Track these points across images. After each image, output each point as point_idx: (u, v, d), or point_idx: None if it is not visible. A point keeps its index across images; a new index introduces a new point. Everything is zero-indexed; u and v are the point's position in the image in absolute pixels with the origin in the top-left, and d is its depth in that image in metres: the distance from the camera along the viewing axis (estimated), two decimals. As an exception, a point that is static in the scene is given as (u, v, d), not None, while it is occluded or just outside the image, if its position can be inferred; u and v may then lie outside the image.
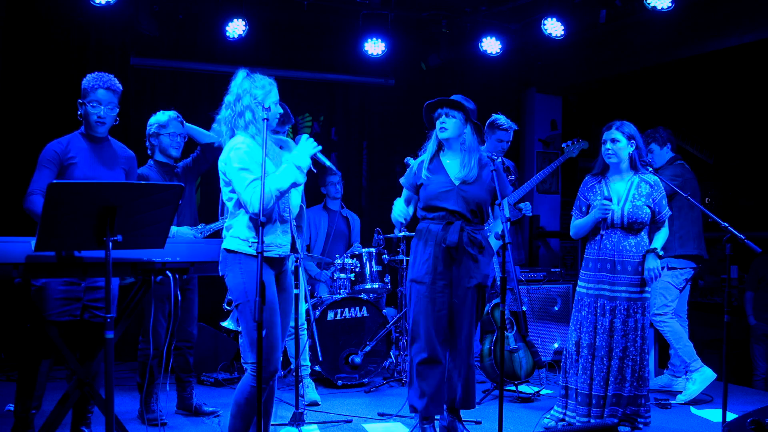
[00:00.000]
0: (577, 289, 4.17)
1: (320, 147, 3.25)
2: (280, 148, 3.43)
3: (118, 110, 3.72)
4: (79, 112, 3.68)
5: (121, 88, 3.72)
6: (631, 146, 4.07)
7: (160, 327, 4.31)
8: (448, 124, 3.81)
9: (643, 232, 4.09)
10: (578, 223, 4.18)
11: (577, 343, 4.08)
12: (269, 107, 3.20)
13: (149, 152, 4.45)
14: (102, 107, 3.63)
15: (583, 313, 4.07)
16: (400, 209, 3.88)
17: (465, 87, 7.46)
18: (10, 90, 5.92)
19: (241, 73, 3.27)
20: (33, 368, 3.59)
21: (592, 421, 3.98)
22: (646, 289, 4.05)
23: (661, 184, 4.12)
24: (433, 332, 3.77)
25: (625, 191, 4.06)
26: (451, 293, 3.80)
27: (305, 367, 4.91)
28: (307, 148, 3.20)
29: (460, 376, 3.87)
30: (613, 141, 4.06)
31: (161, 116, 4.42)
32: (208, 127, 4.55)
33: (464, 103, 3.83)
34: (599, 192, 4.12)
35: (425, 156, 3.91)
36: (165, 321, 4.31)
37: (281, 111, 3.36)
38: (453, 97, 3.84)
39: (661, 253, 4.04)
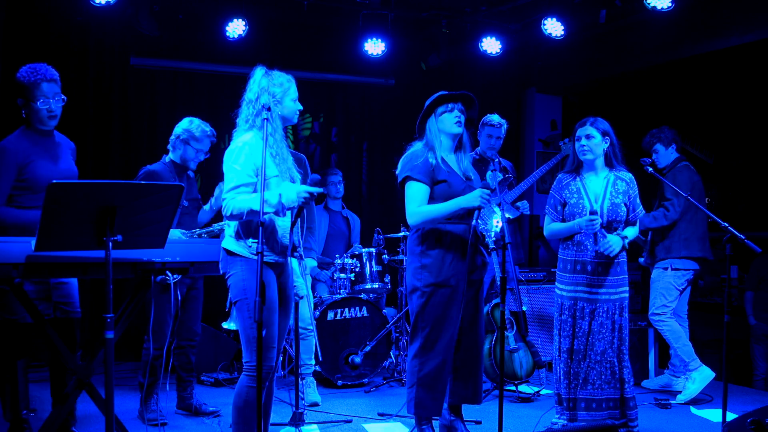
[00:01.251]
0: (556, 291, 4.08)
1: (317, 193, 3.10)
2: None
3: (65, 101, 3.61)
4: (23, 111, 3.58)
5: (57, 74, 3.62)
6: (606, 143, 4.01)
7: (166, 327, 4.30)
8: (462, 120, 3.72)
9: (619, 231, 4.01)
10: (555, 228, 4.06)
11: (559, 348, 4.02)
12: (270, 107, 3.18)
13: (169, 147, 4.43)
14: (50, 100, 3.54)
15: (563, 317, 4.00)
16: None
17: (465, 87, 7.38)
18: (11, 90, 5.91)
19: (259, 71, 3.25)
20: (11, 370, 3.58)
21: (580, 424, 3.96)
22: (625, 289, 4.00)
23: (635, 182, 4.07)
24: (451, 333, 3.75)
25: (602, 189, 4.00)
26: (465, 291, 3.77)
27: (309, 366, 4.91)
28: (299, 192, 3.04)
29: (473, 373, 3.86)
30: (588, 137, 3.99)
31: (197, 130, 4.36)
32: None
33: (476, 102, 3.78)
34: (575, 190, 4.02)
35: (439, 152, 3.70)
36: (168, 320, 4.30)
37: (300, 108, 3.32)
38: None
39: (626, 244, 3.96)
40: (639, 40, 6.60)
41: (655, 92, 7.67)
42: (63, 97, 3.61)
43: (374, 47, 6.54)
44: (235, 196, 3.06)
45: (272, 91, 3.19)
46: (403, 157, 3.81)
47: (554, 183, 4.15)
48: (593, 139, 3.99)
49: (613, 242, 3.89)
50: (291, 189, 3.08)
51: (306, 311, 4.82)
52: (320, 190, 3.12)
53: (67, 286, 3.67)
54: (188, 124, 4.39)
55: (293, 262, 4.56)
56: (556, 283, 4.10)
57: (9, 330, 3.56)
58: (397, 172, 3.81)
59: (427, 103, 3.77)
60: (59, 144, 3.73)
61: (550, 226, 4.12)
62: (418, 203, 3.65)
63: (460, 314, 3.78)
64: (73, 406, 3.73)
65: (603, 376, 3.93)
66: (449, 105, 3.70)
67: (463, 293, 3.76)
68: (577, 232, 3.97)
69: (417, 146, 3.81)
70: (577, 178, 4.06)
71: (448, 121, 3.71)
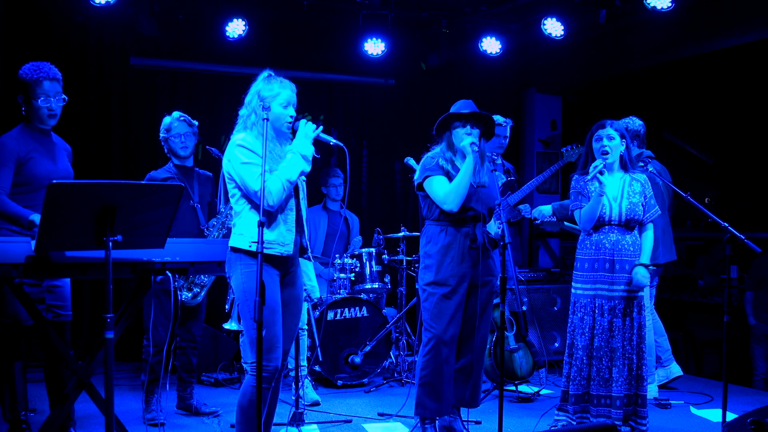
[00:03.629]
0: (573, 291, 4.12)
1: (321, 127, 3.27)
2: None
3: (66, 100, 3.62)
4: (23, 107, 3.59)
5: (60, 74, 3.64)
6: (623, 144, 4.06)
7: (161, 326, 4.32)
8: (474, 134, 3.83)
9: (636, 230, 4.07)
10: (586, 209, 4.01)
11: (571, 345, 4.06)
12: (269, 107, 3.19)
13: (168, 155, 4.54)
14: (51, 99, 3.56)
15: (579, 315, 4.04)
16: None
17: (465, 87, 7.45)
18: (11, 90, 5.91)
19: (263, 74, 3.28)
20: (9, 371, 3.59)
21: (593, 420, 3.97)
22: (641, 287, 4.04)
23: (649, 183, 4.11)
24: (456, 334, 3.83)
25: (620, 189, 4.04)
26: (470, 293, 3.86)
27: (302, 367, 4.90)
28: (307, 133, 3.21)
29: (472, 376, 3.94)
30: (609, 138, 4.03)
31: (166, 119, 4.50)
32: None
33: (494, 120, 3.89)
34: (593, 190, 4.00)
35: (450, 156, 3.88)
36: (165, 320, 4.31)
37: (292, 114, 3.30)
38: (483, 112, 3.88)
39: (648, 263, 3.99)
40: (639, 40, 6.59)
41: (655, 92, 7.67)
42: (64, 96, 3.62)
43: (374, 47, 6.54)
44: (266, 181, 3.05)
45: (263, 95, 3.22)
46: (420, 163, 3.97)
47: (573, 183, 4.17)
48: (613, 140, 4.04)
49: (640, 276, 3.93)
50: (299, 136, 3.20)
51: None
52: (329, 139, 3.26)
53: (60, 290, 3.67)
54: (162, 125, 4.51)
55: (306, 264, 4.56)
56: (572, 283, 4.13)
57: (5, 332, 3.56)
58: (414, 178, 3.98)
59: (440, 119, 3.90)
60: (56, 144, 3.74)
61: (582, 213, 4.06)
62: (443, 190, 3.79)
63: (461, 315, 3.82)
64: (72, 406, 3.73)
65: (622, 374, 3.96)
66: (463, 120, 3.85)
67: (464, 295, 3.82)
68: (601, 195, 3.95)
69: (435, 150, 3.97)
70: (595, 179, 4.04)
71: (458, 136, 3.85)
